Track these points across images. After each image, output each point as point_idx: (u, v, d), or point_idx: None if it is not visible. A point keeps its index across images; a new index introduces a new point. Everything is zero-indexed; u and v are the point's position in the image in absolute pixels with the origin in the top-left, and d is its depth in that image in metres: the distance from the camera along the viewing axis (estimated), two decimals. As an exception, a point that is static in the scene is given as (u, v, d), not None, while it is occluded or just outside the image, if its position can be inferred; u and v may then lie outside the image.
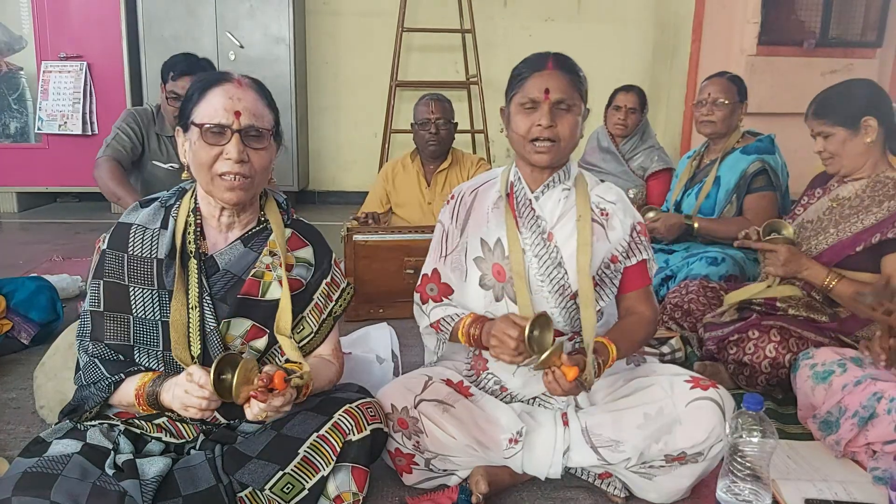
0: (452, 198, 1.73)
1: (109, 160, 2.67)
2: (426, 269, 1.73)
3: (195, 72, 2.66)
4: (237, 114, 1.37)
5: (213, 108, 1.37)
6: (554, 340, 1.40)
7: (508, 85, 1.59)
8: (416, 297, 1.74)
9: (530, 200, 1.62)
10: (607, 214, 1.61)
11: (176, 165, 2.77)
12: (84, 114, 4.85)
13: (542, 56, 1.56)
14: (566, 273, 1.57)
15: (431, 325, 1.66)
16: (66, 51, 4.85)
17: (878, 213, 1.97)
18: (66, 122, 4.84)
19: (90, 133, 4.89)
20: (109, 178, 2.63)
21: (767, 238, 2.12)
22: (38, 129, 4.85)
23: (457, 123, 3.11)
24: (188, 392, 1.28)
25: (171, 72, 2.68)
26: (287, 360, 1.48)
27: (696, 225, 2.76)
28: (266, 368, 1.30)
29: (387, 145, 5.19)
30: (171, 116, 2.73)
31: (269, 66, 5.00)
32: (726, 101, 2.74)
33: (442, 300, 1.68)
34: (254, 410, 1.27)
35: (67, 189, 5.29)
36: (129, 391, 1.37)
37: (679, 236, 2.82)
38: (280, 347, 1.49)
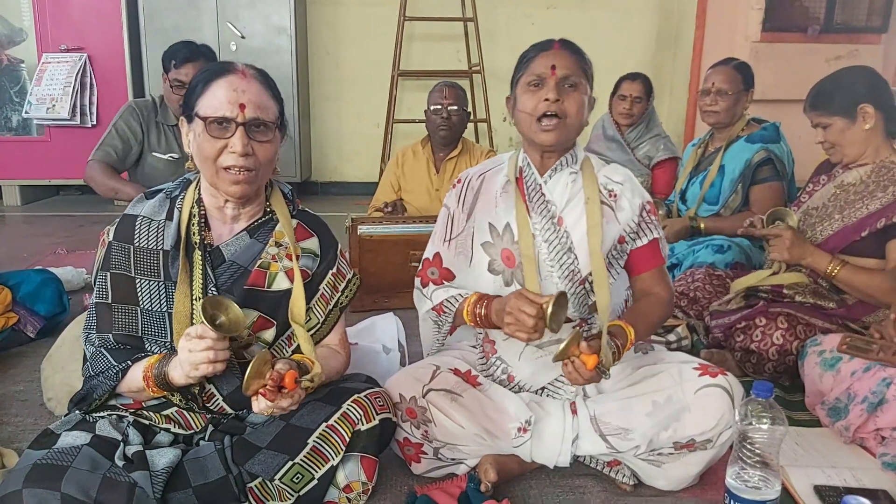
0: (459, 182, 1.72)
1: (99, 163, 2.70)
2: (428, 253, 1.72)
3: (197, 59, 2.66)
4: (242, 106, 1.36)
5: (217, 100, 1.36)
6: (567, 323, 1.39)
7: (515, 69, 1.60)
8: (417, 281, 1.73)
9: (540, 185, 1.61)
10: (615, 195, 1.60)
11: (176, 155, 2.77)
12: (75, 98, 4.78)
13: (548, 39, 1.57)
14: (576, 258, 1.57)
15: (433, 308, 1.65)
16: (66, 43, 4.83)
17: (882, 197, 1.96)
18: (53, 106, 4.76)
19: (92, 125, 4.88)
20: (101, 176, 2.66)
21: (770, 226, 2.11)
22: (26, 112, 4.80)
23: (469, 112, 3.12)
24: (192, 350, 1.27)
25: (173, 60, 2.67)
26: (296, 350, 1.48)
27: (702, 226, 2.74)
28: (278, 366, 1.29)
29: (389, 135, 5.18)
30: (175, 105, 2.73)
31: (271, 56, 4.98)
32: (730, 91, 2.70)
33: (443, 284, 1.68)
34: (260, 405, 1.28)
35: (70, 182, 5.29)
36: (136, 376, 1.37)
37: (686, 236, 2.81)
38: (288, 338, 1.50)
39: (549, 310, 1.34)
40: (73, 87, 4.78)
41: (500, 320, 1.45)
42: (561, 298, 1.37)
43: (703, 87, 2.80)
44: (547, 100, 1.51)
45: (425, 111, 3.09)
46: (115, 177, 2.66)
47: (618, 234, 1.59)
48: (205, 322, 1.26)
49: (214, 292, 1.43)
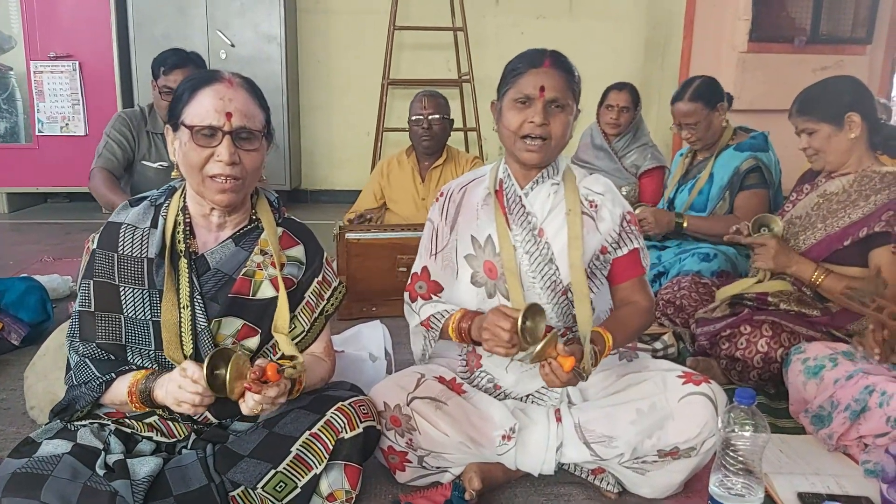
0: (442, 195, 1.73)
1: (102, 171, 2.70)
2: (416, 267, 1.73)
3: (186, 65, 2.67)
4: (228, 115, 1.36)
5: (203, 108, 1.36)
6: (547, 331, 1.39)
7: (502, 80, 1.58)
8: (406, 295, 1.73)
9: (520, 197, 1.61)
10: (596, 206, 1.61)
11: (165, 164, 2.77)
12: (85, 113, 4.84)
13: (538, 53, 1.55)
14: (557, 269, 1.57)
15: (422, 323, 1.66)
16: (56, 50, 4.82)
17: (864, 207, 1.98)
18: (67, 124, 4.84)
19: (80, 133, 4.86)
20: (103, 187, 2.65)
21: (756, 234, 2.13)
22: (40, 131, 4.84)
23: (452, 120, 3.13)
24: (182, 387, 1.27)
25: (162, 67, 2.68)
26: (280, 357, 1.47)
27: (685, 223, 2.76)
28: (258, 362, 1.29)
29: (379, 144, 5.19)
30: (164, 112, 2.73)
31: (261, 64, 4.98)
32: (695, 122, 2.71)
33: (431, 298, 1.68)
34: (249, 404, 1.27)
35: (58, 189, 5.26)
36: (121, 389, 1.37)
37: (669, 234, 2.82)
38: (273, 346, 1.49)
39: (521, 323, 1.35)
40: (83, 104, 4.82)
41: (479, 336, 1.46)
42: (533, 309, 1.37)
43: (674, 122, 2.81)
44: (532, 122, 1.50)
45: (408, 121, 3.10)
46: (115, 189, 2.65)
47: (599, 245, 1.60)
48: (205, 370, 1.25)
49: (200, 300, 1.42)
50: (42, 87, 4.81)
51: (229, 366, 1.24)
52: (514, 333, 1.37)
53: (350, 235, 2.76)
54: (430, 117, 2.99)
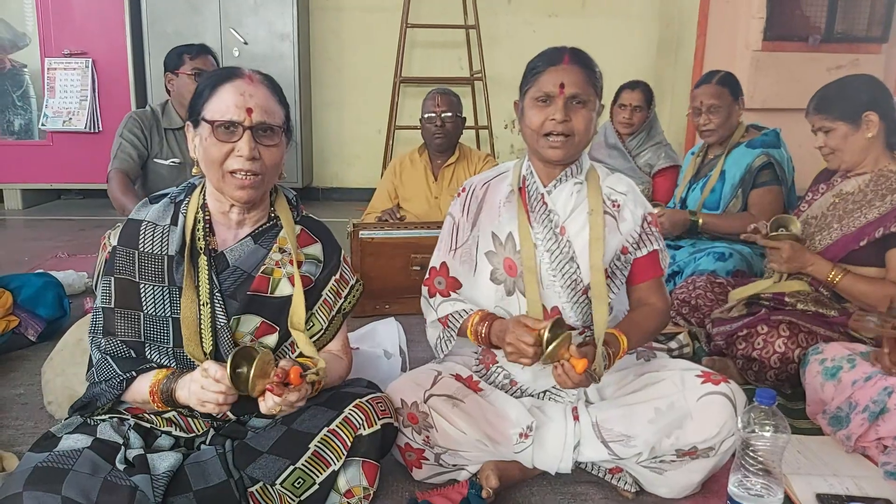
0: (463, 191, 1.72)
1: (118, 173, 2.70)
2: (434, 262, 1.73)
3: (206, 52, 2.75)
4: (249, 110, 1.36)
5: (224, 104, 1.36)
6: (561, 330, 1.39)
7: (523, 79, 1.59)
8: (424, 290, 1.73)
9: (542, 195, 1.61)
10: (619, 206, 1.60)
11: (178, 160, 2.78)
12: (90, 111, 4.85)
13: (558, 50, 1.55)
14: (578, 267, 1.57)
15: (439, 320, 1.66)
16: (69, 47, 4.85)
17: (881, 207, 1.96)
18: (70, 119, 4.84)
19: (95, 130, 4.89)
20: (117, 189, 2.65)
21: (773, 234, 2.12)
22: (42, 125, 4.85)
23: (465, 118, 3.13)
24: (204, 388, 1.28)
25: (187, 54, 2.72)
26: (299, 356, 1.48)
27: (700, 221, 2.75)
28: (282, 363, 1.30)
29: (391, 142, 5.19)
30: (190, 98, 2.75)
31: (274, 62, 5.00)
32: (720, 106, 2.70)
33: (450, 294, 1.68)
34: (268, 404, 1.28)
35: (72, 186, 5.29)
36: (143, 388, 1.38)
37: (684, 233, 2.81)
38: (291, 344, 1.49)
39: (546, 335, 1.36)
40: (90, 101, 4.84)
41: (501, 343, 1.46)
42: (556, 326, 1.38)
43: (692, 106, 2.80)
44: (554, 119, 1.50)
45: (420, 119, 3.10)
46: (128, 193, 2.64)
47: (620, 245, 1.59)
48: (228, 369, 1.26)
49: (219, 298, 1.42)
50: (54, 83, 4.83)
51: (254, 363, 1.25)
52: (537, 347, 1.38)
53: (364, 235, 2.77)
54: (442, 115, 2.99)
